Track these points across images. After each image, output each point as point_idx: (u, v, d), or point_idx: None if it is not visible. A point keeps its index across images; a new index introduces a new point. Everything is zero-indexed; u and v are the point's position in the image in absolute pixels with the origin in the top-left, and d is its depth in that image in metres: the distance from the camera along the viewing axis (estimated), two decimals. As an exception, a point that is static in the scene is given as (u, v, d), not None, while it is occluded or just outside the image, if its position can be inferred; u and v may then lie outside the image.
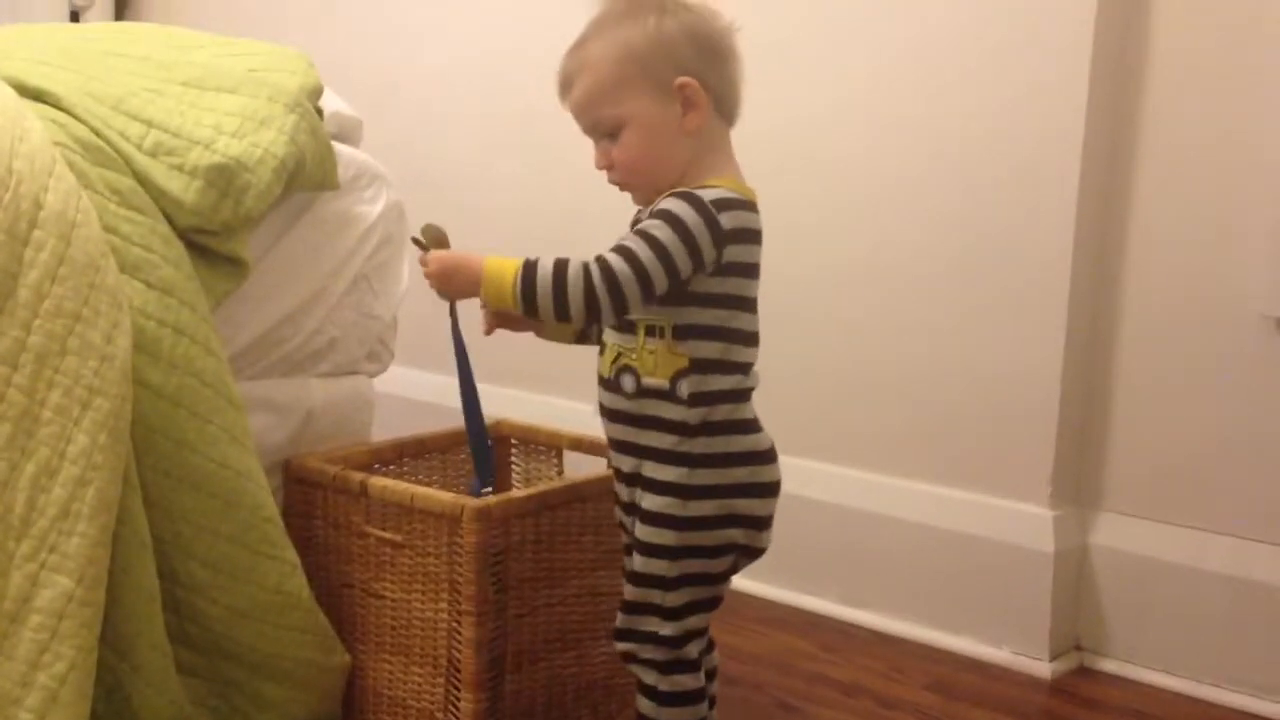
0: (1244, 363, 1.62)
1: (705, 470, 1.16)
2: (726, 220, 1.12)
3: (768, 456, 1.19)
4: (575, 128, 1.22)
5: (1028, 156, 1.72)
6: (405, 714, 1.39)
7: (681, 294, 1.14)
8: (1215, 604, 1.64)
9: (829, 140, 1.92)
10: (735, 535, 1.18)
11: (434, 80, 2.53)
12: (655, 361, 1.15)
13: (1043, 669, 1.71)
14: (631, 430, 1.18)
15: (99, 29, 1.72)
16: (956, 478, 1.83)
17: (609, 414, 1.21)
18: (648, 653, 1.19)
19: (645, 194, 1.19)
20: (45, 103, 1.37)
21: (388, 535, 1.37)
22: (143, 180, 1.34)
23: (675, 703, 1.19)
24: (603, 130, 1.18)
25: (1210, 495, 1.66)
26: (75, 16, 3.15)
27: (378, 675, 1.41)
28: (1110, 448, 1.75)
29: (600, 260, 1.11)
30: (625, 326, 1.18)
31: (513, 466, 1.68)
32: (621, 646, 1.22)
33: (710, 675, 1.26)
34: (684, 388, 1.15)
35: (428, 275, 1.22)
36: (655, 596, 1.18)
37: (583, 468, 1.53)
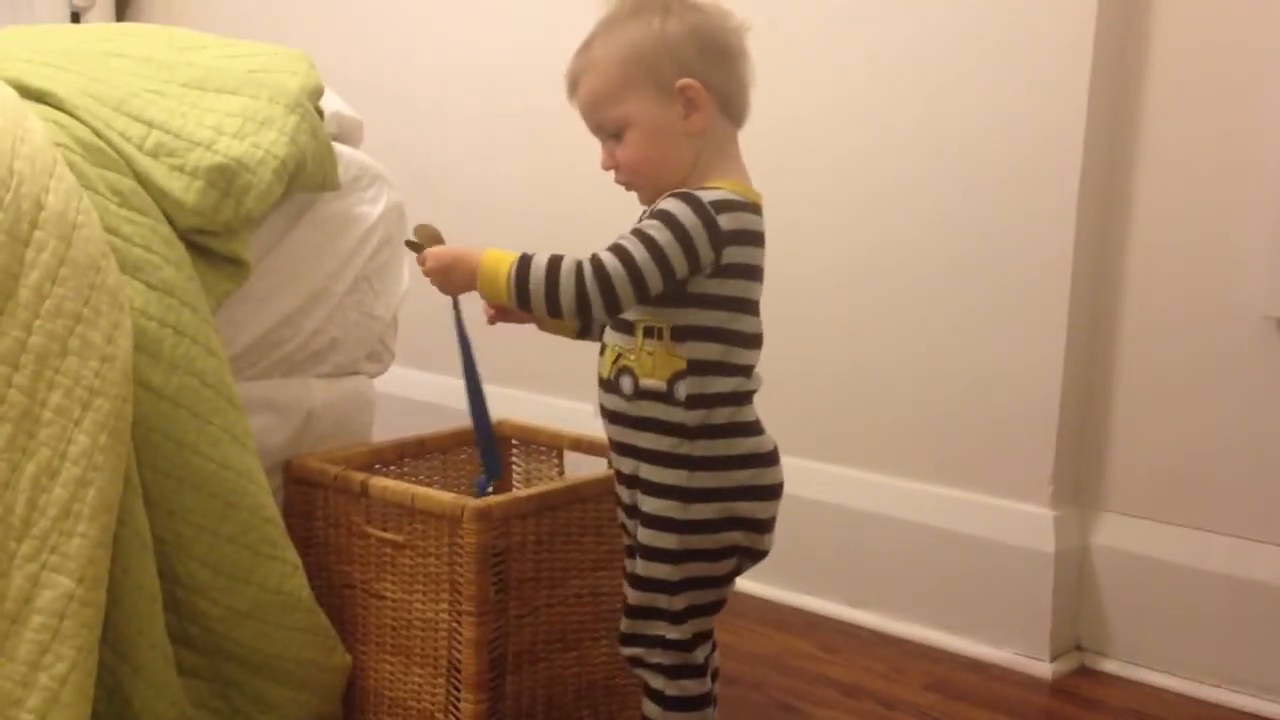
0: (1244, 363, 1.62)
1: (706, 473, 1.15)
2: (726, 222, 1.12)
3: (770, 459, 1.19)
4: (576, 128, 1.23)
5: (1028, 157, 1.72)
6: (406, 714, 1.39)
7: (680, 295, 1.13)
8: (1216, 604, 1.64)
9: (830, 140, 1.92)
10: (737, 538, 1.18)
11: (435, 81, 2.53)
12: (653, 363, 1.15)
13: (1043, 669, 1.71)
14: (630, 432, 1.18)
15: (100, 30, 1.72)
16: (957, 478, 1.83)
17: (608, 415, 1.21)
18: (655, 657, 1.19)
19: (649, 194, 1.18)
20: (46, 104, 1.37)
21: (388, 536, 1.37)
22: (144, 181, 1.34)
23: (681, 708, 1.19)
24: (608, 131, 1.18)
25: (1211, 495, 1.66)
26: (76, 17, 3.15)
27: (378, 676, 1.41)
28: (1111, 448, 1.75)
29: (594, 259, 1.11)
30: (624, 327, 1.18)
31: (513, 467, 1.68)
32: (627, 651, 1.22)
33: (712, 676, 1.26)
34: (681, 389, 1.14)
35: (426, 273, 1.23)
36: (660, 600, 1.18)
37: (583, 468, 1.53)
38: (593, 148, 1.21)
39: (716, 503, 1.16)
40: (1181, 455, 1.68)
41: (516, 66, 2.30)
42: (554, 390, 2.31)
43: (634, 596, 1.20)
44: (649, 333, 1.15)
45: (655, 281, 1.10)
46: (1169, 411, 1.69)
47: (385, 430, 1.65)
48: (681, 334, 1.14)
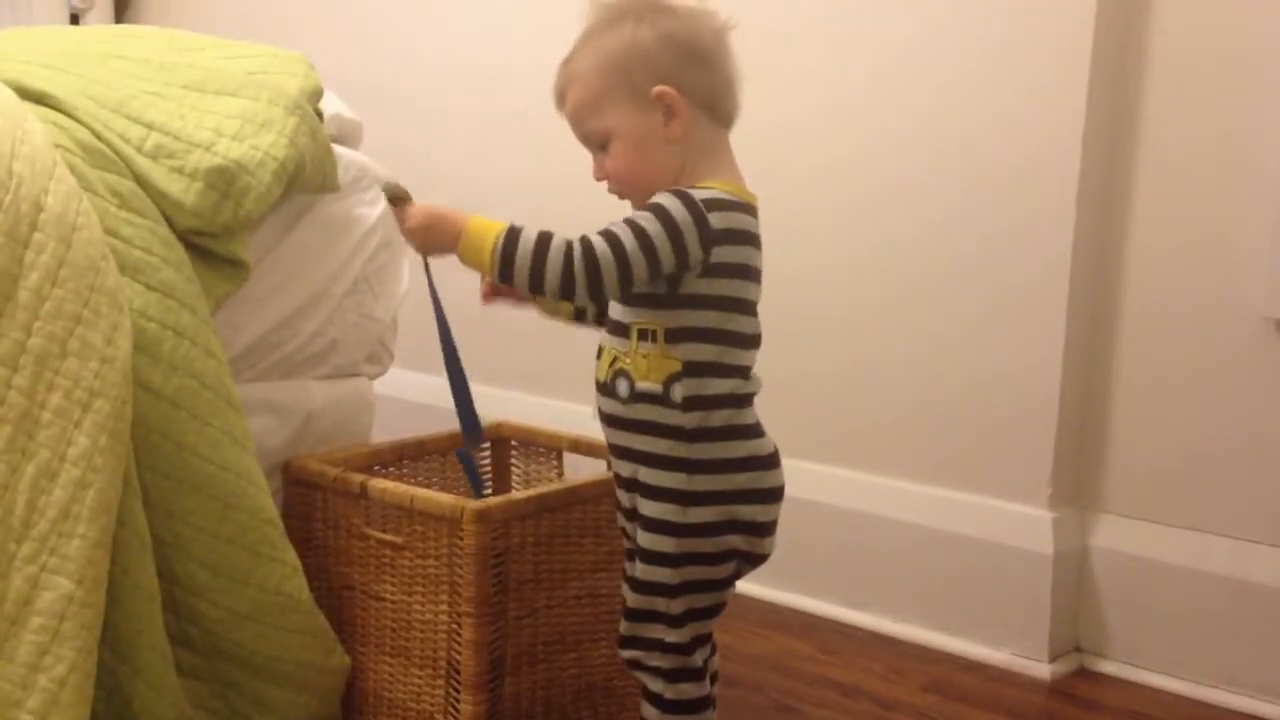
0: (1244, 364, 1.62)
1: (705, 476, 1.15)
2: (716, 220, 1.11)
3: (770, 462, 1.18)
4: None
5: (1027, 158, 1.72)
6: (405, 716, 1.39)
7: (673, 297, 1.13)
8: (1215, 605, 1.64)
9: (829, 141, 1.92)
10: (736, 542, 1.17)
11: (434, 83, 2.54)
12: (648, 365, 1.15)
13: (1042, 670, 1.72)
14: (627, 435, 1.18)
15: (99, 31, 1.73)
16: (956, 479, 1.83)
17: (606, 419, 1.20)
18: (654, 660, 1.19)
19: (641, 202, 1.18)
20: (46, 105, 1.37)
21: (388, 537, 1.37)
22: (143, 183, 1.34)
23: (680, 711, 1.19)
24: (594, 142, 1.19)
25: (1210, 497, 1.66)
26: (75, 19, 3.15)
27: (378, 677, 1.42)
28: (1110, 449, 1.75)
29: (584, 240, 1.10)
30: (620, 330, 1.17)
31: (512, 468, 1.68)
32: (626, 654, 1.21)
33: (712, 679, 1.26)
34: (677, 391, 1.14)
35: (409, 228, 1.19)
36: (659, 604, 1.17)
37: (582, 470, 1.53)
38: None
39: (716, 506, 1.15)
40: (1181, 456, 1.68)
41: (516, 68, 2.30)
42: (552, 392, 2.31)
43: (633, 599, 1.19)
44: (643, 335, 1.15)
45: (641, 271, 1.10)
46: (1168, 413, 1.69)
47: (384, 432, 1.65)
48: (675, 336, 1.14)
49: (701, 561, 1.17)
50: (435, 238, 1.17)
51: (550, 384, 2.32)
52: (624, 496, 1.22)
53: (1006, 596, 1.75)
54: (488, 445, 1.67)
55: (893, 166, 1.86)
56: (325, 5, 2.78)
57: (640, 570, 1.18)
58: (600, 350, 1.20)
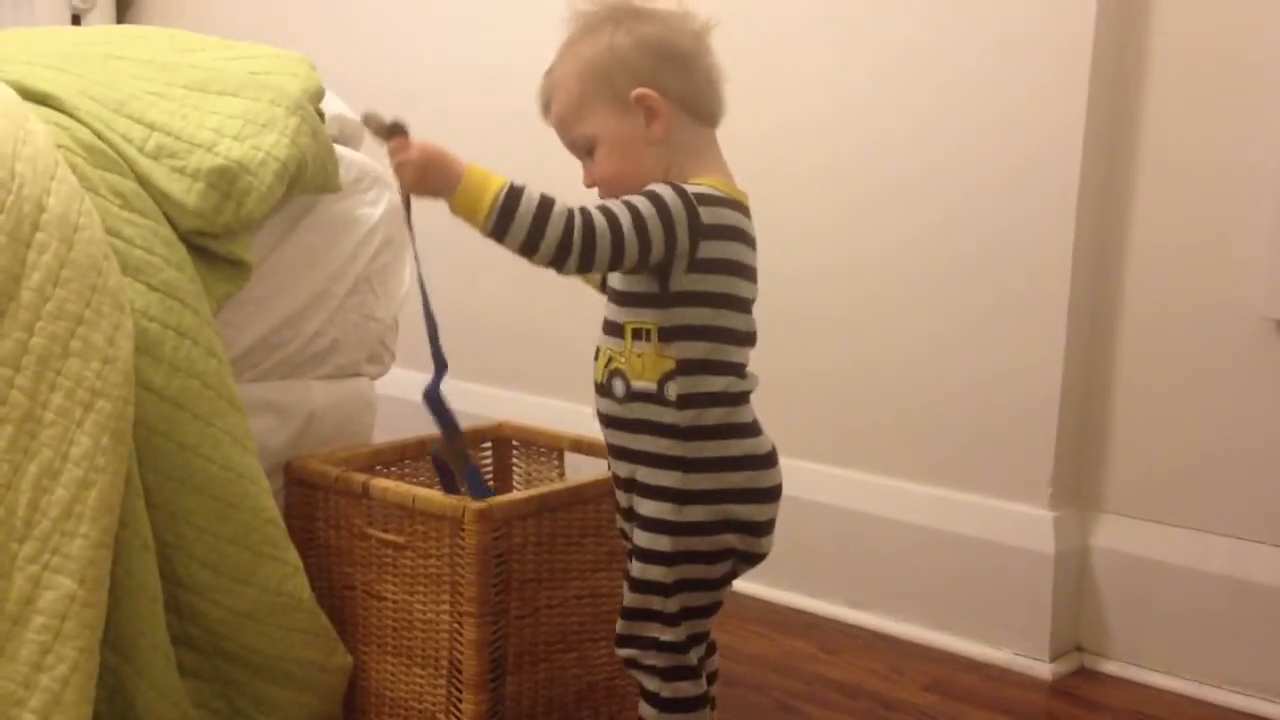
0: (1244, 364, 1.62)
1: (700, 475, 1.15)
2: (706, 215, 1.12)
3: (767, 461, 1.18)
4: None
5: (1028, 157, 1.72)
6: (407, 715, 1.39)
7: (664, 295, 1.14)
8: (1216, 605, 1.64)
9: (830, 140, 1.92)
10: (732, 540, 1.17)
11: (435, 83, 2.54)
12: (643, 364, 1.15)
13: (1043, 670, 1.72)
14: (625, 435, 1.18)
15: (100, 32, 1.73)
16: (957, 479, 1.83)
17: (604, 420, 1.21)
18: (649, 659, 1.19)
19: None
20: (48, 105, 1.38)
21: (389, 537, 1.37)
22: (145, 183, 1.35)
23: (676, 709, 1.19)
24: (581, 149, 1.20)
25: (1211, 496, 1.66)
26: (76, 19, 3.16)
27: (379, 676, 1.42)
28: (1111, 449, 1.75)
29: (584, 210, 1.10)
30: (614, 331, 1.18)
31: (514, 468, 1.68)
32: (623, 652, 1.22)
33: (711, 679, 1.26)
34: (672, 389, 1.14)
35: (404, 159, 1.13)
36: (655, 602, 1.18)
37: (583, 470, 1.53)
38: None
39: (711, 505, 1.15)
40: (1181, 456, 1.68)
41: (516, 68, 2.29)
42: (553, 392, 2.31)
43: (629, 598, 1.20)
44: (638, 334, 1.16)
45: (632, 252, 1.10)
46: (1168, 413, 1.69)
47: (385, 432, 1.65)
48: (669, 334, 1.14)
49: (697, 560, 1.17)
50: (430, 177, 1.12)
51: (551, 384, 2.32)
52: (622, 497, 1.22)
53: (1008, 596, 1.75)
54: (488, 444, 1.67)
55: (894, 166, 1.86)
56: (326, 6, 2.79)
57: (636, 569, 1.18)
58: (597, 352, 1.21)
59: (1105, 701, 1.65)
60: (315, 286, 1.53)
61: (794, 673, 1.70)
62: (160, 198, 1.34)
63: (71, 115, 1.37)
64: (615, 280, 1.20)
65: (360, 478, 1.39)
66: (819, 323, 1.94)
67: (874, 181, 1.88)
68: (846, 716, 1.57)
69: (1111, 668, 1.73)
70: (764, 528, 1.19)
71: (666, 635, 1.18)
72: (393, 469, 1.56)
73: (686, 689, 1.19)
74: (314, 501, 1.45)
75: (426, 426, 1.64)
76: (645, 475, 1.17)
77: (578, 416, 2.15)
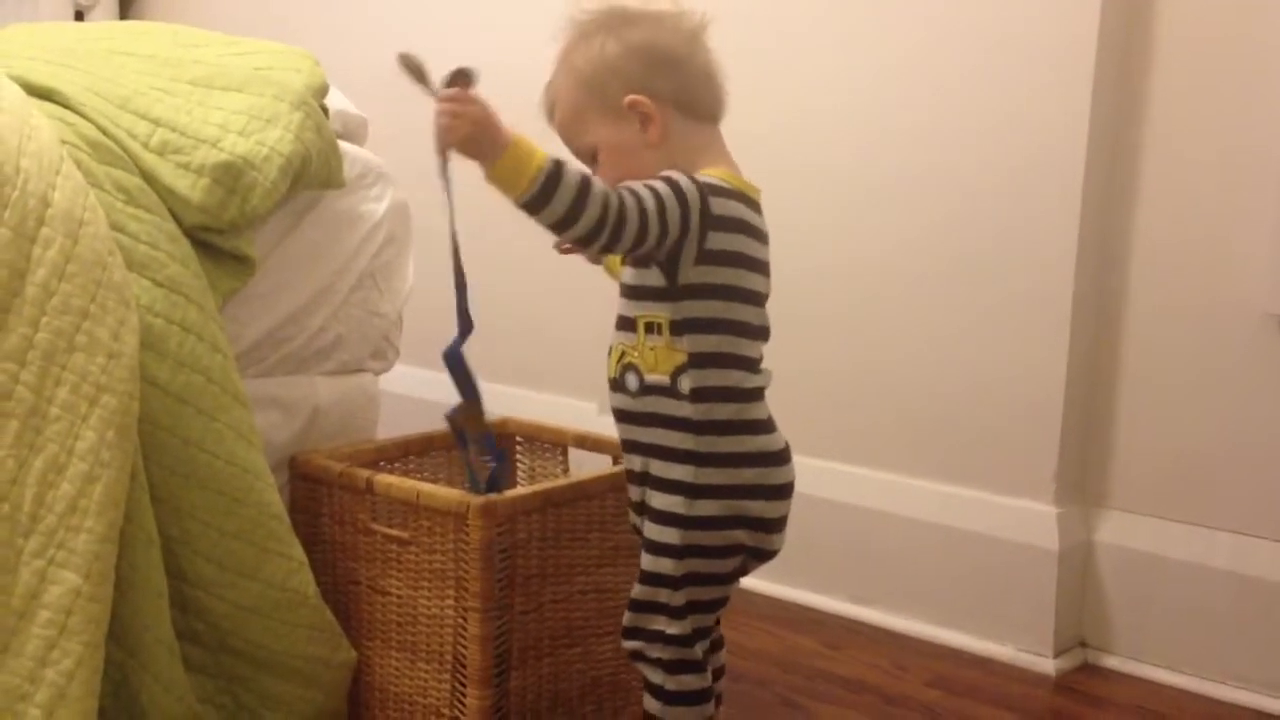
0: (1248, 360, 1.62)
1: (713, 470, 1.16)
2: (715, 206, 1.13)
3: (780, 458, 1.19)
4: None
5: (1032, 156, 1.72)
6: (411, 710, 1.39)
7: (674, 289, 1.14)
8: (1220, 600, 1.64)
9: (835, 141, 1.92)
10: (741, 536, 1.18)
11: (438, 78, 2.53)
12: (655, 358, 1.16)
13: (1047, 666, 1.72)
14: (638, 429, 1.19)
15: (104, 28, 1.73)
16: (961, 475, 1.83)
17: (617, 414, 1.22)
18: (655, 651, 1.20)
19: None
20: (53, 101, 1.38)
21: (394, 532, 1.37)
22: (150, 178, 1.35)
23: (681, 702, 1.19)
24: (585, 156, 1.21)
25: (1214, 492, 1.66)
26: (80, 15, 3.16)
27: (384, 672, 1.42)
28: (1115, 445, 1.75)
29: (617, 194, 1.10)
30: (627, 325, 1.19)
31: (518, 464, 1.68)
32: (628, 645, 1.22)
33: (718, 674, 1.27)
34: (684, 383, 1.15)
35: (461, 114, 1.10)
36: (662, 595, 1.18)
37: (587, 465, 1.53)
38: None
39: (722, 500, 1.16)
40: (1185, 452, 1.68)
41: (520, 63, 2.30)
42: (557, 388, 2.32)
43: (637, 590, 1.20)
44: (650, 328, 1.16)
45: (653, 234, 1.10)
46: (1172, 408, 1.69)
47: (389, 428, 1.65)
48: (680, 327, 1.15)
49: (705, 554, 1.17)
50: (481, 137, 1.09)
51: (555, 380, 2.33)
52: (635, 491, 1.23)
53: (1011, 592, 1.75)
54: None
55: (897, 165, 1.86)
56: (330, 2, 2.78)
57: (646, 561, 1.18)
58: (610, 349, 1.21)
59: (1109, 697, 1.65)
60: (319, 282, 1.53)
61: (798, 668, 1.70)
62: (165, 193, 1.35)
63: (76, 111, 1.37)
64: (627, 275, 1.20)
65: (365, 473, 1.39)
66: (823, 320, 1.94)
67: (878, 180, 1.88)
68: (850, 712, 1.58)
69: (1115, 663, 1.73)
70: (775, 524, 1.19)
71: (672, 628, 1.18)
72: (397, 465, 1.56)
73: (690, 682, 1.19)
74: (318, 497, 1.45)
75: (429, 424, 1.64)
76: (658, 469, 1.17)
77: (581, 412, 2.16)
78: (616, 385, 1.20)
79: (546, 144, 1.14)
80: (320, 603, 1.36)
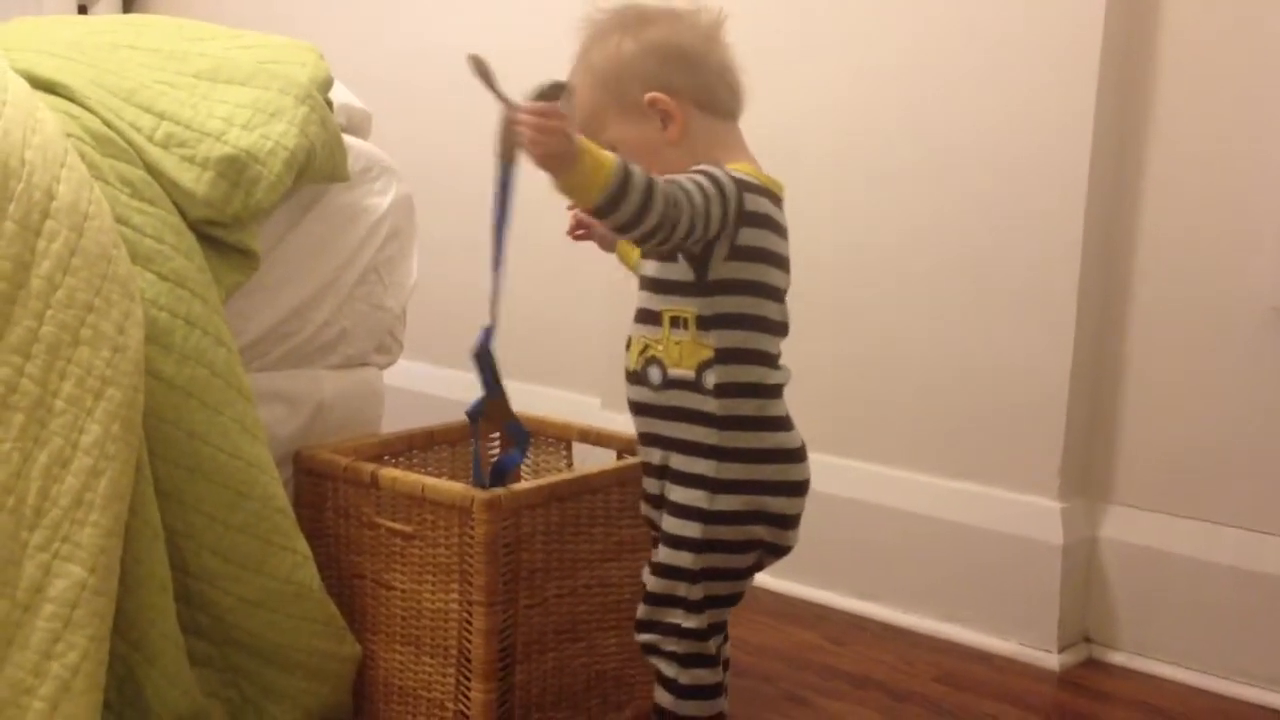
0: (1253, 355, 1.62)
1: (735, 465, 1.16)
2: (748, 202, 1.14)
3: (798, 455, 1.20)
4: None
5: (1037, 151, 1.72)
6: (416, 704, 1.40)
7: (702, 283, 1.15)
8: (1224, 596, 1.64)
9: (841, 133, 1.92)
10: (760, 532, 1.18)
11: (443, 73, 2.53)
12: (681, 352, 1.16)
13: (1051, 661, 1.72)
14: (659, 423, 1.19)
15: (109, 21, 1.72)
16: (965, 471, 1.83)
17: (635, 408, 1.22)
18: (670, 645, 1.20)
19: None
20: (57, 94, 1.38)
21: (398, 526, 1.37)
22: (154, 172, 1.35)
23: (694, 696, 1.20)
24: None
25: (1219, 487, 1.66)
26: (84, 9, 3.16)
27: (389, 665, 1.42)
28: (1119, 440, 1.75)
29: (668, 187, 1.09)
30: (650, 319, 1.19)
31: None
32: (643, 638, 1.22)
33: (724, 666, 1.27)
34: (710, 378, 1.15)
35: (557, 130, 1.05)
36: (680, 588, 1.18)
37: (591, 460, 1.53)
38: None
39: (743, 495, 1.17)
40: (1190, 447, 1.68)
41: (527, 58, 2.29)
42: (562, 383, 2.32)
43: (654, 583, 1.20)
44: (675, 322, 1.17)
45: (700, 229, 1.10)
46: (1177, 404, 1.69)
47: (392, 423, 1.65)
48: (707, 322, 1.15)
49: (724, 549, 1.18)
50: (563, 153, 1.07)
51: (559, 375, 2.33)
52: (653, 484, 1.23)
53: (1016, 587, 1.75)
54: (497, 435, 1.67)
55: (903, 158, 1.86)
56: (333, -3, 2.78)
57: (664, 554, 1.19)
58: (629, 341, 1.21)
59: (1113, 692, 1.65)
60: (323, 276, 1.53)
61: (803, 663, 1.70)
62: (169, 186, 1.34)
63: (81, 104, 1.37)
64: (650, 268, 1.20)
65: (369, 467, 1.39)
66: (827, 314, 1.94)
67: (882, 176, 1.88)
68: (855, 707, 1.58)
69: (1119, 658, 1.73)
70: (792, 521, 1.20)
71: (689, 622, 1.19)
72: (401, 459, 1.56)
73: (704, 676, 1.20)
74: (323, 491, 1.45)
75: (432, 418, 1.65)
76: (679, 462, 1.18)
77: (585, 407, 2.16)
78: (637, 378, 1.20)
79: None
80: (325, 596, 1.36)
